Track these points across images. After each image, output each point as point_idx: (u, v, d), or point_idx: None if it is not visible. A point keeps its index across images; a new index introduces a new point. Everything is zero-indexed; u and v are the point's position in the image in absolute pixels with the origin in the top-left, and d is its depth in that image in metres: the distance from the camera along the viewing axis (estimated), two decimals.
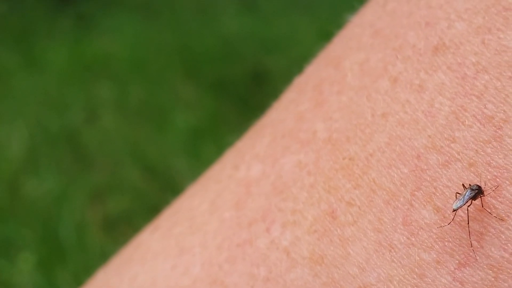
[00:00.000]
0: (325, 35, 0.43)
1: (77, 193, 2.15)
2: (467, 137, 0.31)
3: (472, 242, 0.31)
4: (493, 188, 0.30)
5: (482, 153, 0.31)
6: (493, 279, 0.30)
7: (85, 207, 2.11)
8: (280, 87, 0.43)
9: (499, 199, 0.30)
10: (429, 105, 0.33)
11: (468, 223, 0.31)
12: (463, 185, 0.31)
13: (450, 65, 0.33)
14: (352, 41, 0.38)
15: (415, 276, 0.31)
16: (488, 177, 0.31)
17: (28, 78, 2.69)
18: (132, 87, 2.61)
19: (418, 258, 0.31)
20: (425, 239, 0.31)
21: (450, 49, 0.33)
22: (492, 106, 0.31)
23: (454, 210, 0.31)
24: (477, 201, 0.31)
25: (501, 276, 0.30)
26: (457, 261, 0.31)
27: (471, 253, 0.31)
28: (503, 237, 0.30)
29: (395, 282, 0.32)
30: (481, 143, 0.31)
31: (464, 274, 0.30)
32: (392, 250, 0.32)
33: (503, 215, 0.30)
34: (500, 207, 0.30)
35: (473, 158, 0.31)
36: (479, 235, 0.31)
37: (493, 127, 0.31)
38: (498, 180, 0.30)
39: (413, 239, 0.32)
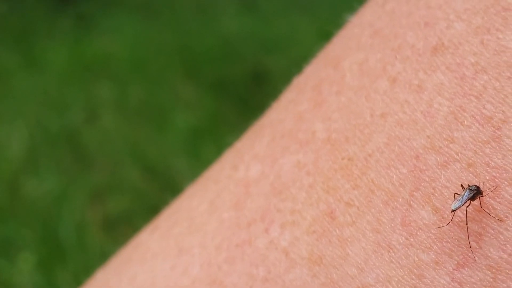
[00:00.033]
0: (325, 35, 0.43)
1: (77, 193, 2.15)
2: (466, 137, 0.31)
3: (471, 242, 0.31)
4: (492, 189, 0.30)
5: (480, 153, 0.31)
6: (491, 280, 0.30)
7: (85, 207, 2.11)
8: (280, 87, 0.43)
9: (498, 200, 0.30)
10: (428, 105, 0.33)
11: (466, 224, 0.31)
12: (461, 185, 0.31)
13: (449, 66, 0.33)
14: (351, 41, 0.38)
15: (413, 277, 0.31)
16: (487, 177, 0.30)
17: (28, 78, 2.69)
18: (132, 87, 2.61)
19: (417, 259, 0.31)
20: (423, 239, 0.31)
21: (449, 49, 0.33)
22: (491, 106, 0.31)
23: (452, 211, 0.31)
24: (476, 202, 0.31)
25: (499, 277, 0.30)
26: (456, 262, 0.31)
27: (469, 254, 0.31)
28: (502, 237, 0.30)
29: (393, 283, 0.32)
30: (480, 144, 0.31)
31: (463, 275, 0.30)
32: (391, 251, 0.32)
33: (502, 216, 0.30)
34: (498, 208, 0.30)
35: (472, 158, 0.31)
36: (478, 236, 0.31)
37: (492, 128, 0.31)
38: (496, 180, 0.30)
39: (412, 239, 0.32)
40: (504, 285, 0.30)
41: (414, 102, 0.33)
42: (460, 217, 0.31)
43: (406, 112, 0.33)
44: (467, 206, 0.31)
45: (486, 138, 0.31)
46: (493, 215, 0.31)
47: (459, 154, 0.31)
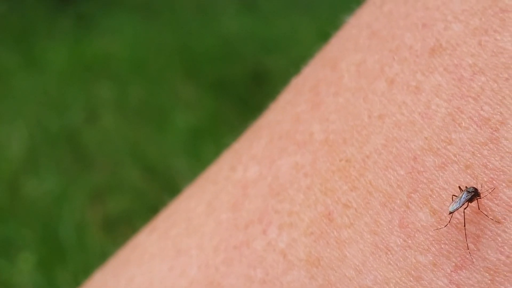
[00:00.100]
0: (325, 35, 0.42)
1: (77, 193, 2.15)
2: (464, 139, 0.31)
3: (469, 244, 0.31)
4: (490, 191, 0.30)
5: (478, 155, 0.31)
6: (489, 281, 0.30)
7: (85, 207, 2.11)
8: (280, 87, 0.43)
9: (496, 202, 0.30)
10: (426, 106, 0.32)
11: (464, 226, 0.31)
12: (459, 187, 0.31)
13: (446, 67, 0.32)
14: (349, 42, 0.38)
15: (411, 279, 0.31)
16: (485, 179, 0.30)
17: (28, 78, 2.69)
18: (132, 87, 2.61)
19: (415, 261, 0.31)
20: (421, 241, 0.31)
21: (447, 50, 0.33)
22: (489, 108, 0.31)
23: (450, 213, 0.31)
24: (474, 204, 0.31)
25: (497, 278, 0.30)
26: (454, 264, 0.31)
27: (467, 256, 0.30)
28: (500, 239, 0.30)
29: (391, 285, 0.32)
30: (478, 145, 0.31)
31: (461, 277, 0.30)
32: (389, 253, 0.32)
33: (500, 218, 0.30)
34: (496, 210, 0.30)
35: (470, 160, 0.31)
36: (476, 238, 0.31)
37: (490, 129, 0.30)
38: (494, 182, 0.30)
39: (410, 241, 0.32)
40: (502, 287, 0.29)
41: (412, 103, 0.33)
42: (458, 219, 0.31)
43: (403, 113, 0.33)
44: (465, 208, 0.31)
45: (484, 140, 0.31)
46: (491, 217, 0.30)
47: (457, 155, 0.31)
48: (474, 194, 0.31)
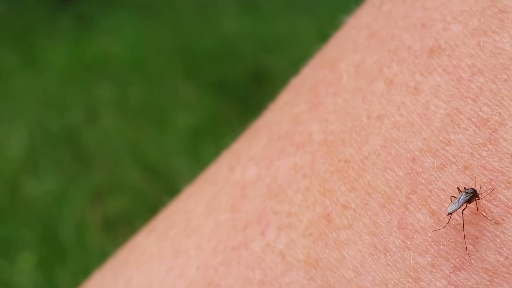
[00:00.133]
0: (325, 35, 0.42)
1: (77, 193, 2.15)
2: (463, 140, 0.31)
3: (467, 245, 0.31)
4: (488, 192, 0.30)
5: (477, 156, 0.31)
6: (488, 283, 0.30)
7: (85, 207, 2.11)
8: (280, 87, 0.43)
9: (494, 203, 0.30)
10: (425, 107, 0.32)
11: (463, 227, 0.31)
12: (458, 188, 0.31)
13: (445, 67, 0.32)
14: (348, 42, 0.38)
15: (410, 280, 0.31)
16: (483, 180, 0.30)
17: (28, 78, 2.69)
18: (132, 87, 2.61)
19: (413, 262, 0.31)
20: (420, 242, 0.31)
21: (446, 51, 0.33)
22: (488, 108, 0.31)
23: (449, 214, 0.31)
24: (472, 205, 0.31)
25: (496, 280, 0.30)
26: (452, 265, 0.31)
27: (466, 257, 0.30)
28: (498, 240, 0.30)
29: (390, 286, 0.31)
30: (476, 146, 0.31)
31: (459, 278, 0.30)
32: (387, 254, 0.32)
33: (498, 219, 0.30)
34: (495, 211, 0.30)
35: (468, 161, 0.31)
36: (474, 239, 0.31)
37: (488, 130, 0.30)
38: (493, 183, 0.30)
39: (408, 242, 0.31)
40: None
41: (411, 104, 0.33)
42: (456, 220, 0.31)
43: (402, 114, 0.33)
44: (463, 209, 0.31)
45: (482, 141, 0.31)
46: (490, 218, 0.30)
47: (456, 156, 0.31)
48: (472, 195, 0.31)
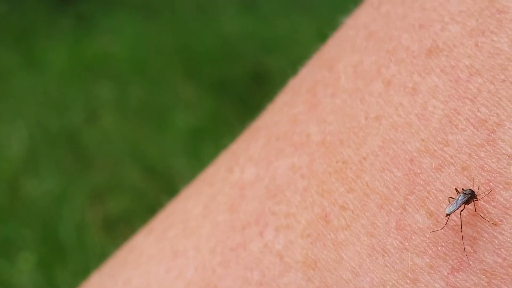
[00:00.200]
0: (325, 35, 0.42)
1: (77, 193, 2.15)
2: (460, 140, 0.31)
3: (465, 247, 0.31)
4: (487, 193, 0.30)
5: (475, 157, 0.31)
6: (486, 284, 0.30)
7: (85, 207, 2.11)
8: (279, 87, 0.43)
9: (492, 204, 0.30)
10: (423, 108, 0.32)
11: (461, 228, 0.31)
12: (456, 189, 0.31)
13: (443, 68, 0.32)
14: (346, 43, 0.38)
15: (408, 281, 0.31)
16: (481, 181, 0.30)
17: (28, 78, 2.69)
18: (132, 87, 2.61)
19: (411, 263, 0.31)
20: (418, 243, 0.31)
21: (444, 51, 0.33)
22: (485, 109, 0.31)
23: (447, 215, 0.31)
24: (470, 206, 0.31)
25: (494, 281, 0.30)
26: (450, 266, 0.31)
27: (464, 258, 0.30)
28: (496, 241, 0.30)
29: (388, 287, 0.31)
30: (474, 147, 0.31)
31: (457, 279, 0.30)
32: (385, 255, 0.32)
33: (496, 220, 0.30)
34: (493, 212, 0.30)
35: (466, 162, 0.31)
36: (472, 240, 0.30)
37: (486, 131, 0.30)
38: (491, 184, 0.30)
39: (406, 243, 0.31)
40: None
41: (409, 105, 0.33)
42: (454, 221, 0.31)
43: (400, 115, 0.33)
44: (461, 210, 0.31)
45: (480, 142, 0.30)
46: (488, 219, 0.30)
47: (454, 157, 0.31)
48: (470, 196, 0.31)
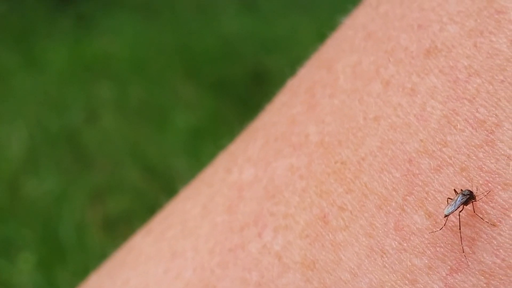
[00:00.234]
0: (325, 36, 0.42)
1: (77, 193, 2.15)
2: (459, 141, 0.31)
3: (464, 247, 0.30)
4: (485, 193, 0.30)
5: (474, 157, 0.30)
6: (485, 285, 0.30)
7: (85, 207, 2.11)
8: (279, 87, 0.43)
9: (491, 204, 0.30)
10: (421, 108, 0.32)
11: (460, 229, 0.31)
12: (454, 190, 0.31)
13: (442, 68, 0.32)
14: (344, 43, 0.38)
15: (407, 282, 0.31)
16: (480, 182, 0.30)
17: (28, 78, 2.69)
18: (132, 87, 2.61)
19: (410, 264, 0.31)
20: (417, 244, 0.31)
21: (442, 52, 0.33)
22: (484, 110, 0.31)
23: (445, 216, 0.31)
24: (469, 206, 0.31)
25: (493, 282, 0.29)
26: (449, 267, 0.30)
27: (463, 259, 0.30)
28: (495, 242, 0.30)
29: None
30: (473, 148, 0.31)
31: (456, 280, 0.30)
32: (384, 256, 0.32)
33: (495, 221, 0.30)
34: (492, 212, 0.30)
35: (465, 162, 0.31)
36: (471, 241, 0.30)
37: (485, 132, 0.30)
38: (490, 185, 0.30)
39: (405, 244, 0.31)
40: None
41: (407, 105, 0.33)
42: (453, 221, 0.31)
43: (399, 115, 0.33)
44: (460, 211, 0.31)
45: (479, 142, 0.30)
46: (486, 220, 0.30)
47: (452, 158, 0.31)
48: (469, 197, 0.31)
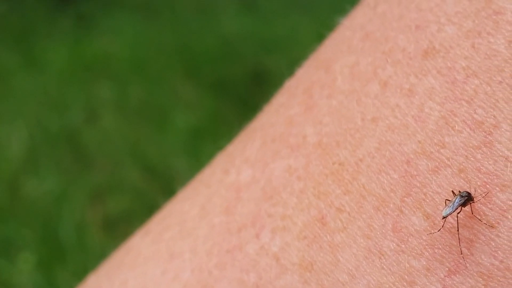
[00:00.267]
0: (325, 36, 0.42)
1: (77, 193, 2.15)
2: (457, 142, 0.31)
3: (462, 249, 0.30)
4: (483, 195, 0.30)
5: (472, 159, 0.30)
6: (483, 287, 0.30)
7: (85, 207, 2.11)
8: (279, 87, 0.43)
9: (489, 206, 0.30)
10: (419, 109, 0.32)
11: (458, 230, 0.31)
12: (452, 191, 0.31)
13: (440, 69, 0.32)
14: (342, 44, 0.38)
15: (405, 284, 0.31)
16: (478, 183, 0.30)
17: (28, 78, 2.69)
18: (132, 87, 2.61)
19: (408, 265, 0.31)
20: (415, 246, 0.31)
21: (440, 53, 0.32)
22: (482, 111, 0.30)
23: (444, 217, 0.31)
24: (467, 208, 0.31)
25: (491, 284, 0.29)
26: (447, 269, 0.30)
27: (461, 261, 0.30)
28: (493, 244, 0.30)
29: None
30: (471, 149, 0.30)
31: (454, 282, 0.30)
32: (382, 257, 0.32)
33: (493, 222, 0.30)
34: (490, 214, 0.30)
35: (463, 164, 0.31)
36: (469, 242, 0.30)
37: (483, 133, 0.30)
38: (488, 186, 0.30)
39: (403, 245, 0.31)
40: None
41: (405, 106, 0.33)
42: (451, 223, 0.31)
43: (397, 116, 0.33)
44: (458, 213, 0.31)
45: (477, 144, 0.30)
46: (485, 222, 0.30)
47: (450, 159, 0.31)
48: (467, 199, 0.30)
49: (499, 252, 0.29)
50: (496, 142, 0.30)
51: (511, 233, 0.29)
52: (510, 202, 0.29)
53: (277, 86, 0.43)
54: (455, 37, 0.32)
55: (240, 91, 2.57)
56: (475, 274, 0.30)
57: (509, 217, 0.29)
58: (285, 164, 0.36)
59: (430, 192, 0.31)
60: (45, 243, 1.98)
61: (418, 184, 0.31)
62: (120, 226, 2.03)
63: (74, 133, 2.42)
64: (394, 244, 0.31)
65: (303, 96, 0.38)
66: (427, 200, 0.31)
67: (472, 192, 0.30)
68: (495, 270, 0.29)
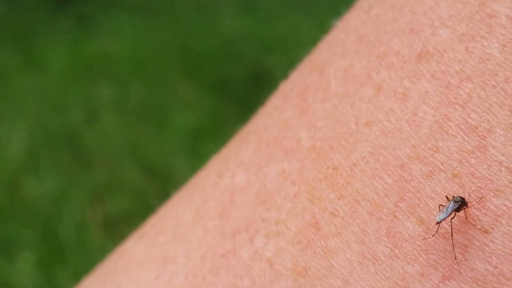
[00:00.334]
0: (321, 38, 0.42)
1: (77, 193, 2.15)
2: (451, 147, 0.31)
3: (456, 254, 0.30)
4: (477, 200, 0.30)
5: (466, 163, 0.30)
6: None
7: (85, 207, 2.11)
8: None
9: (483, 211, 0.30)
10: (413, 114, 0.32)
11: (452, 236, 0.31)
12: (446, 197, 0.31)
13: (434, 73, 0.32)
14: (336, 47, 0.37)
15: None
16: (472, 188, 0.30)
17: (28, 78, 2.69)
18: (132, 87, 2.61)
19: (402, 271, 0.31)
20: (409, 251, 0.31)
21: (434, 56, 0.32)
22: (476, 115, 0.30)
23: (437, 223, 0.31)
24: (461, 213, 0.30)
25: None
26: (441, 274, 0.30)
27: (455, 266, 0.30)
28: (488, 249, 0.29)
29: None
30: (465, 154, 0.30)
31: (449, 287, 0.30)
32: (376, 263, 0.31)
33: (488, 227, 0.30)
34: (484, 219, 0.30)
35: (457, 168, 0.30)
36: (463, 248, 0.30)
37: (477, 137, 0.30)
38: (482, 191, 0.30)
39: (397, 251, 0.31)
40: None
41: (399, 110, 0.32)
42: (445, 228, 0.31)
43: (391, 120, 0.32)
44: (452, 218, 0.31)
45: (471, 148, 0.30)
46: (479, 227, 0.30)
47: (444, 164, 0.31)
48: (461, 204, 0.30)
49: (493, 257, 0.29)
50: (490, 147, 0.30)
51: (506, 239, 0.29)
52: (504, 207, 0.29)
53: (277, 86, 0.43)
54: (449, 41, 0.32)
55: (240, 91, 2.57)
56: (469, 279, 0.30)
57: (503, 222, 0.29)
58: (279, 168, 0.36)
59: (424, 197, 0.31)
60: (45, 243, 1.98)
61: (412, 189, 0.31)
62: (120, 226, 2.03)
63: (74, 133, 2.42)
64: (388, 249, 0.31)
65: (297, 99, 0.38)
66: (421, 205, 0.31)
67: (466, 197, 0.30)
68: (490, 275, 0.29)
